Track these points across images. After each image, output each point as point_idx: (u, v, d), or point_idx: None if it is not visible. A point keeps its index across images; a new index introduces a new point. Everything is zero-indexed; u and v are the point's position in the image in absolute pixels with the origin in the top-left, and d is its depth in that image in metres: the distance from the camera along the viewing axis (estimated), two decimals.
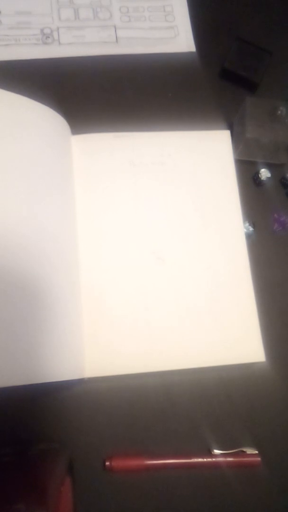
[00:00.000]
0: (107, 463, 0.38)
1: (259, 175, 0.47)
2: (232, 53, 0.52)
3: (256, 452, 0.39)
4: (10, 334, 0.34)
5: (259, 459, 0.39)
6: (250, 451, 0.39)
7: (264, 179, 0.47)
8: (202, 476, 0.39)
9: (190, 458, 0.39)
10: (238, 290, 0.43)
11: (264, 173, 0.47)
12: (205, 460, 0.38)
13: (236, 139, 0.48)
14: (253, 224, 0.46)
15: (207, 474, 0.39)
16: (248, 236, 0.45)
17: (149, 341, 0.40)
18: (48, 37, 0.53)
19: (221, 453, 0.39)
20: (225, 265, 0.43)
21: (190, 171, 0.46)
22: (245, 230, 0.45)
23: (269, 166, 0.48)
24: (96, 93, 0.50)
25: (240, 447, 0.39)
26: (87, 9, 0.54)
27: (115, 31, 0.54)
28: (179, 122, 0.49)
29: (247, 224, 0.46)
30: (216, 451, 0.39)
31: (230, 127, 0.49)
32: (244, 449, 0.39)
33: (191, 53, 0.54)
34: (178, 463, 0.39)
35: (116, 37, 0.54)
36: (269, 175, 0.47)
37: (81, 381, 0.39)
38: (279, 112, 0.46)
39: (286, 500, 0.39)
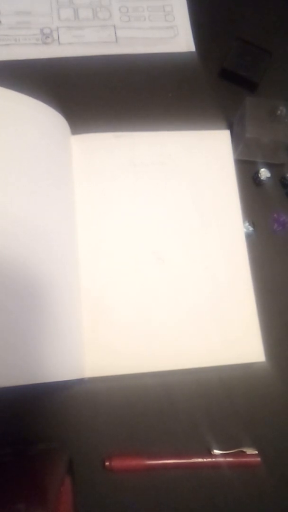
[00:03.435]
0: (107, 463, 0.38)
1: (259, 175, 0.47)
2: (232, 53, 0.52)
3: (256, 452, 0.39)
4: (10, 334, 0.34)
5: (259, 459, 0.39)
6: (250, 451, 0.39)
7: (264, 179, 0.47)
8: (202, 476, 0.39)
9: (190, 458, 0.39)
10: (238, 290, 0.43)
11: (264, 173, 0.47)
12: (205, 460, 0.38)
13: (236, 139, 0.48)
14: (253, 224, 0.46)
15: (207, 474, 0.39)
16: (248, 236, 0.45)
17: (149, 341, 0.40)
18: (48, 37, 0.53)
19: (221, 453, 0.39)
20: (225, 265, 0.43)
21: (190, 171, 0.46)
22: (245, 230, 0.45)
23: (269, 166, 0.48)
24: (96, 93, 0.50)
25: (240, 447, 0.39)
26: (87, 9, 0.54)
27: (115, 31, 0.54)
28: (179, 122, 0.49)
29: (247, 224, 0.46)
30: (216, 451, 0.39)
31: (230, 127, 0.49)
32: (244, 449, 0.39)
33: (190, 53, 0.54)
34: (178, 463, 0.39)
35: (116, 37, 0.53)
36: (269, 175, 0.47)
37: (81, 381, 0.39)
38: (279, 112, 0.46)
39: (286, 500, 0.39)
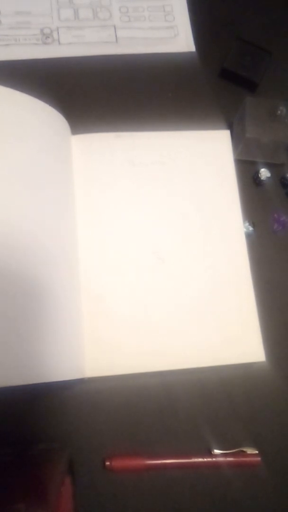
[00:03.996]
0: (107, 463, 0.38)
1: (259, 175, 0.47)
2: (232, 53, 0.52)
3: (256, 452, 0.39)
4: (10, 333, 0.34)
5: (259, 459, 0.39)
6: (250, 451, 0.39)
7: (264, 179, 0.47)
8: (202, 476, 0.39)
9: (190, 458, 0.39)
10: (238, 290, 0.43)
11: (264, 173, 0.47)
12: (205, 460, 0.38)
13: (236, 139, 0.48)
14: (253, 224, 0.46)
15: (207, 474, 0.39)
16: (248, 236, 0.45)
17: (149, 341, 0.40)
18: (48, 37, 0.53)
19: (221, 453, 0.39)
20: (225, 265, 0.43)
21: (190, 171, 0.46)
22: (245, 230, 0.45)
23: (269, 166, 0.48)
24: (96, 93, 0.50)
25: (240, 447, 0.39)
26: (87, 9, 0.54)
27: (115, 31, 0.54)
28: (179, 122, 0.49)
29: (247, 224, 0.46)
30: (216, 451, 0.39)
31: (230, 127, 0.49)
32: (244, 449, 0.39)
33: (191, 53, 0.54)
34: (178, 463, 0.39)
35: (116, 37, 0.54)
36: (269, 175, 0.47)
37: (81, 381, 0.39)
38: (279, 112, 0.46)
39: (286, 500, 0.39)
